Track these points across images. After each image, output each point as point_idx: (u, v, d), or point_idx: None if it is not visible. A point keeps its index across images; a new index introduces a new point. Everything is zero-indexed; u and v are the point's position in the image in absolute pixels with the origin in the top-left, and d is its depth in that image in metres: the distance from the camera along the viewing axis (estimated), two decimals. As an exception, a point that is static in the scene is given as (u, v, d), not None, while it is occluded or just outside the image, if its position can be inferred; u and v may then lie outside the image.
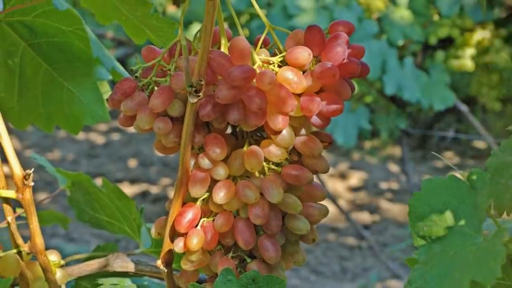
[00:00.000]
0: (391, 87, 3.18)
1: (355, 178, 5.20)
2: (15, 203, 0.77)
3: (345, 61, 0.67)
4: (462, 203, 0.61)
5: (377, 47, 3.16)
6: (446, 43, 3.68)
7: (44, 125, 0.97)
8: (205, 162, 0.68)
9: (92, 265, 0.84)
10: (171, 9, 3.82)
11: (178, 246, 0.69)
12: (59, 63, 0.92)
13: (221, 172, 0.68)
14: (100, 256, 0.86)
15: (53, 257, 0.82)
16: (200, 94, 0.65)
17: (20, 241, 0.77)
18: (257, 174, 0.69)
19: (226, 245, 0.71)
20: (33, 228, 0.75)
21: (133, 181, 4.98)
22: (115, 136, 5.96)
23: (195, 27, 3.30)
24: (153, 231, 0.74)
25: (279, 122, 0.66)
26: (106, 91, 0.95)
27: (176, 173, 0.70)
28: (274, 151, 0.68)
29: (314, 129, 0.71)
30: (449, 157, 5.54)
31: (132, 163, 5.34)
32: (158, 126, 0.67)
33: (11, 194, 0.74)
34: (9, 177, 0.75)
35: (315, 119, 0.68)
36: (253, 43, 0.70)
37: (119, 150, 5.60)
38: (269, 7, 3.27)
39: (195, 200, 0.70)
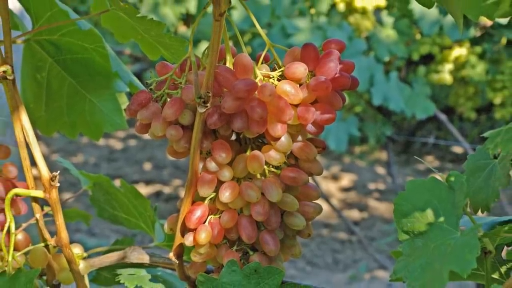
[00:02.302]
0: (378, 98, 3.18)
1: (346, 180, 5.19)
2: (43, 202, 0.77)
3: (337, 75, 0.66)
4: (442, 202, 0.61)
5: (366, 63, 3.16)
6: (427, 59, 3.68)
7: (69, 132, 0.97)
8: (212, 165, 0.68)
9: (112, 257, 0.84)
10: (182, 29, 3.82)
11: (188, 240, 0.69)
12: (82, 77, 0.92)
13: (226, 174, 0.68)
14: (118, 249, 0.86)
15: (77, 250, 0.82)
16: (208, 104, 0.65)
17: (47, 235, 0.77)
18: (258, 176, 0.69)
19: (231, 239, 0.70)
20: (58, 224, 0.75)
21: (148, 182, 4.98)
22: (132, 142, 5.95)
23: (203, 45, 3.30)
24: (166, 226, 0.74)
25: (278, 129, 0.66)
26: (124, 102, 0.95)
27: (186, 175, 0.70)
28: (274, 156, 0.68)
29: (310, 136, 0.71)
30: (430, 161, 5.53)
31: (147, 166, 5.34)
32: (171, 133, 0.67)
33: (39, 194, 0.74)
34: (37, 179, 0.75)
35: (310, 127, 0.68)
36: (255, 59, 0.70)
37: (136, 154, 5.60)
38: (269, 27, 3.27)
39: (203, 199, 0.70)
